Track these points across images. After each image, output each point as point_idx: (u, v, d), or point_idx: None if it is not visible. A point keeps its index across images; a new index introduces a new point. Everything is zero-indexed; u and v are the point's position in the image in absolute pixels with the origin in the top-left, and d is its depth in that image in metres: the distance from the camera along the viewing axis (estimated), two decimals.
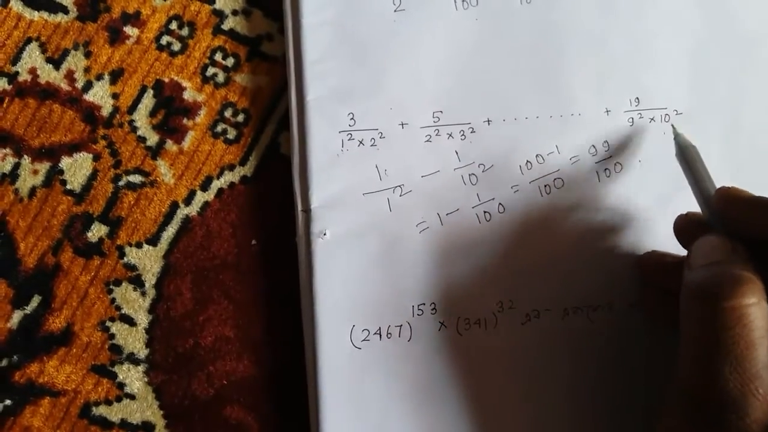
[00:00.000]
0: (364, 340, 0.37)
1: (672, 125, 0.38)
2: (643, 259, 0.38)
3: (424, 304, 0.38)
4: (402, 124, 0.39)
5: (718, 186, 0.34)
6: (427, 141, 0.39)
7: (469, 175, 0.39)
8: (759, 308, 0.28)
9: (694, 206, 0.36)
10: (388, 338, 0.37)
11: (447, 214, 0.38)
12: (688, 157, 0.36)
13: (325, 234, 0.37)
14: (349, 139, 0.38)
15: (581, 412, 0.37)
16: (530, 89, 0.39)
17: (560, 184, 0.39)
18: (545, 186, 0.39)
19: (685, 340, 0.30)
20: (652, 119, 0.40)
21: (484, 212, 0.38)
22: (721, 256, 0.31)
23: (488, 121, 0.39)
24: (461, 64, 0.39)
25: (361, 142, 0.38)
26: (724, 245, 0.31)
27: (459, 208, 0.38)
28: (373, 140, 0.38)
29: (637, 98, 0.40)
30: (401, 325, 0.37)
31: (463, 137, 0.39)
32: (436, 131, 0.39)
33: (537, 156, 0.39)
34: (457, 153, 0.39)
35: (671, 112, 0.40)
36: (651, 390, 0.37)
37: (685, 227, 0.35)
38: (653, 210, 0.39)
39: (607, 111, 0.40)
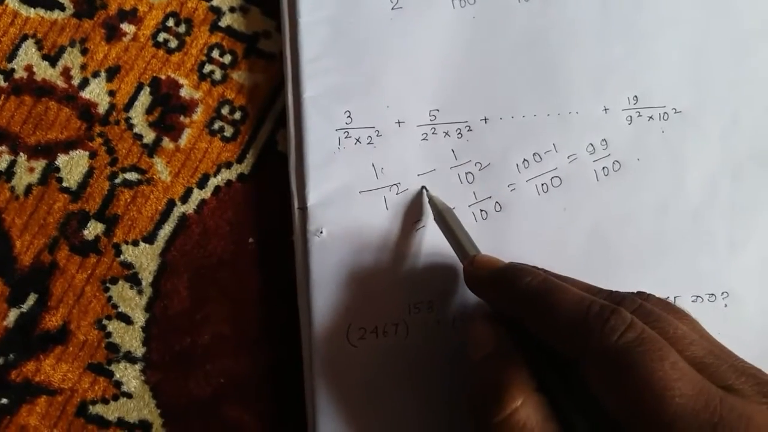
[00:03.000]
0: (360, 338, 0.37)
1: (424, 188, 0.38)
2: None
3: (420, 302, 0.38)
4: (399, 122, 0.38)
5: (478, 249, 0.35)
6: (424, 139, 0.39)
7: (466, 173, 0.39)
8: (526, 407, 0.28)
9: (693, 207, 0.36)
10: (385, 336, 0.37)
11: None
12: (447, 221, 0.36)
13: (321, 232, 0.37)
14: (345, 137, 0.38)
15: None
16: (527, 87, 0.39)
17: (558, 183, 0.39)
18: (542, 185, 0.39)
19: None
20: (650, 117, 0.40)
21: (481, 211, 0.38)
22: (490, 347, 0.31)
23: (485, 119, 0.39)
24: (458, 62, 0.39)
25: (357, 140, 0.38)
26: (490, 334, 0.31)
27: (455, 206, 0.38)
28: (369, 138, 0.38)
29: (636, 96, 0.40)
30: (398, 324, 0.37)
31: (459, 135, 0.39)
32: (433, 129, 0.39)
33: (534, 154, 0.39)
34: (453, 151, 0.39)
35: (670, 111, 0.40)
36: None
37: (468, 282, 0.34)
38: (651, 209, 0.39)
39: (606, 109, 0.40)
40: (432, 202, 0.37)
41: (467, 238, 0.35)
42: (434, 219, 0.37)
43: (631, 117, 0.40)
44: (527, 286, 0.30)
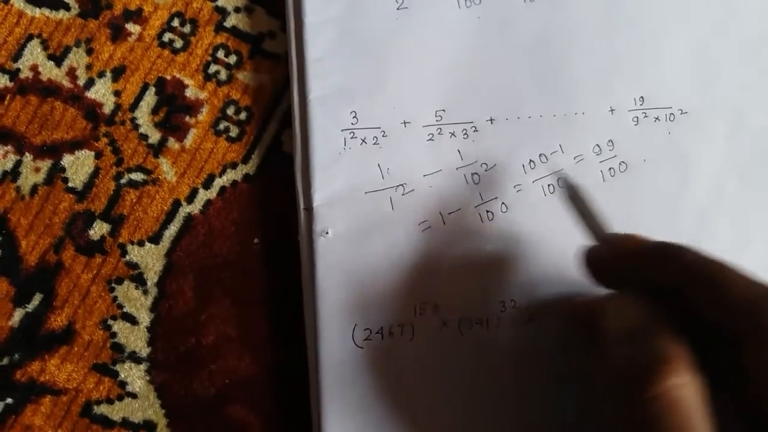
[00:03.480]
0: (366, 339, 0.37)
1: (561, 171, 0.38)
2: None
3: (426, 303, 0.37)
4: (404, 123, 0.38)
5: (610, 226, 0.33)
6: (430, 140, 0.39)
7: (472, 174, 0.39)
8: (691, 388, 0.25)
9: (698, 208, 0.36)
10: (390, 338, 0.37)
11: (449, 214, 0.38)
12: (579, 201, 0.35)
13: (327, 233, 0.37)
14: (351, 138, 0.38)
15: (584, 412, 0.37)
16: (533, 88, 0.39)
17: (564, 184, 0.39)
18: (548, 185, 0.39)
19: (613, 425, 0.27)
20: (656, 118, 0.40)
21: (487, 212, 0.38)
22: (639, 322, 0.28)
23: (491, 120, 0.39)
24: (464, 63, 0.39)
25: (363, 141, 0.38)
26: (643, 309, 0.29)
27: (461, 207, 0.38)
28: (375, 139, 0.38)
29: (642, 97, 0.40)
30: (403, 325, 0.37)
31: (465, 136, 0.39)
32: (439, 130, 0.39)
33: (540, 155, 0.39)
34: (459, 152, 0.39)
35: (676, 111, 0.40)
36: None
37: (597, 263, 0.33)
38: (658, 209, 0.39)
39: (612, 110, 0.39)
40: (562, 179, 0.37)
41: (600, 216, 0.34)
42: (564, 197, 0.36)
43: (637, 118, 0.39)
44: (696, 259, 0.28)
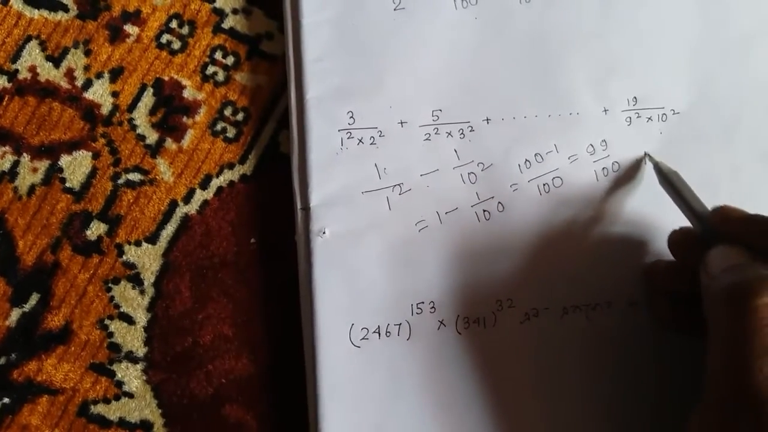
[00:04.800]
0: (363, 338, 0.37)
1: (646, 154, 0.39)
2: (651, 268, 0.38)
3: (423, 302, 0.38)
4: (401, 123, 0.39)
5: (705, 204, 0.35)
6: (427, 140, 0.39)
7: (469, 173, 0.39)
8: None
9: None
10: (387, 337, 0.37)
11: (446, 213, 0.38)
12: (674, 183, 0.37)
13: (324, 232, 0.37)
14: (348, 138, 0.38)
15: (580, 409, 0.37)
16: (529, 88, 0.40)
17: (559, 183, 0.39)
18: (544, 185, 0.39)
19: (716, 340, 0.30)
20: (649, 119, 0.40)
21: (484, 211, 0.38)
22: (742, 260, 0.32)
23: (487, 120, 0.39)
24: (460, 63, 0.39)
25: (360, 141, 0.38)
26: (741, 252, 0.32)
27: (458, 206, 0.38)
28: (372, 139, 0.38)
29: (635, 98, 0.40)
30: (400, 324, 0.37)
31: (462, 136, 0.39)
32: (436, 130, 0.39)
33: (536, 155, 0.39)
34: (456, 152, 0.39)
35: (669, 112, 0.40)
36: (649, 387, 0.37)
37: (681, 241, 0.36)
38: (651, 208, 0.39)
39: (605, 110, 0.40)
40: (657, 167, 0.38)
41: (697, 199, 0.36)
42: (659, 183, 0.38)
43: (630, 118, 0.40)
44: None
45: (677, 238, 0.36)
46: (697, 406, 0.30)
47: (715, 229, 0.34)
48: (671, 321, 0.37)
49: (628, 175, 0.39)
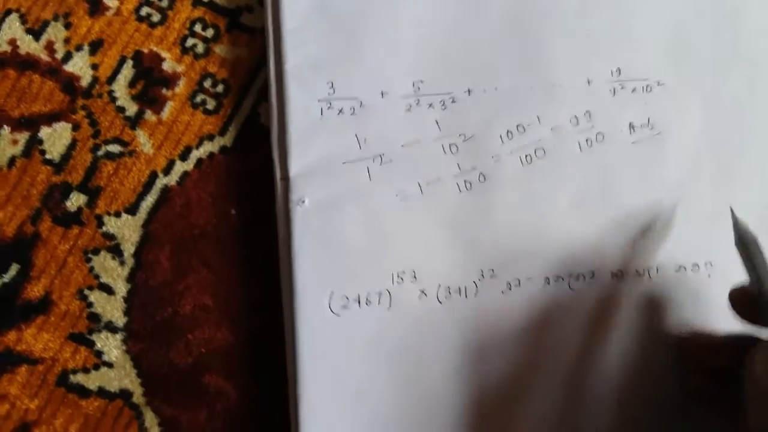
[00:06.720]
0: (343, 307, 0.37)
1: (731, 210, 0.36)
2: (689, 342, 0.37)
3: (404, 272, 0.37)
4: (382, 93, 0.38)
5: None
6: (408, 110, 0.39)
7: (450, 144, 0.39)
8: None
9: (676, 178, 0.36)
10: (367, 305, 0.37)
11: (427, 184, 0.38)
12: (750, 250, 0.34)
13: (303, 201, 0.37)
14: (328, 108, 0.38)
15: (561, 379, 0.37)
16: (511, 59, 0.39)
17: (541, 154, 0.39)
18: (526, 156, 0.39)
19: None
20: (633, 89, 0.40)
21: (465, 182, 0.38)
22: None
23: (469, 91, 0.39)
24: (442, 34, 0.39)
25: (340, 111, 0.38)
26: None
27: (439, 177, 0.38)
28: (352, 109, 0.38)
29: (619, 69, 0.40)
30: (380, 293, 0.37)
31: (443, 107, 0.39)
32: (417, 101, 0.39)
33: (518, 126, 0.39)
34: (437, 123, 0.39)
35: (653, 83, 0.40)
36: (630, 358, 0.37)
37: (741, 301, 0.34)
38: (634, 178, 0.39)
39: (589, 81, 0.40)
40: (738, 227, 0.35)
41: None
42: (735, 243, 0.35)
43: (614, 89, 0.40)
44: None
45: (737, 298, 0.34)
46: None
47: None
48: (705, 396, 0.36)
49: (610, 144, 0.39)
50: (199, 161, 0.39)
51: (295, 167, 0.37)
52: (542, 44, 0.40)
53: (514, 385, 0.37)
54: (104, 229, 0.39)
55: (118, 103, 0.39)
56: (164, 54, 0.40)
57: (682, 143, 0.40)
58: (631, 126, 0.39)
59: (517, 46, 0.39)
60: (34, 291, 0.38)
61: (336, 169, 0.38)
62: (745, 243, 0.34)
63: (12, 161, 0.39)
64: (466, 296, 0.38)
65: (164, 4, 0.40)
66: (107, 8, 0.40)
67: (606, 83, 0.40)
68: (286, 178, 0.37)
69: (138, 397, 0.38)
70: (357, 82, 0.38)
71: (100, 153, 0.39)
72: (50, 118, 0.39)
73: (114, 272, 0.38)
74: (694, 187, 0.39)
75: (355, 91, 0.38)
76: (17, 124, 0.39)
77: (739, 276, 0.37)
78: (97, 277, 0.38)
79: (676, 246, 0.38)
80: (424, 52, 0.39)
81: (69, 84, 0.40)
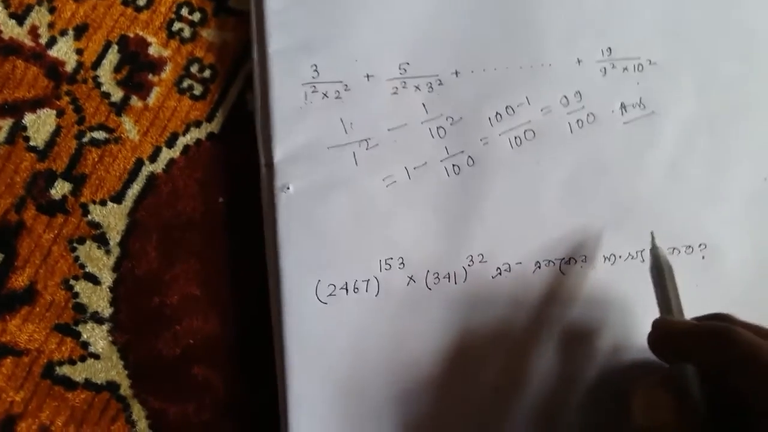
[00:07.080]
0: (330, 295, 0.36)
1: (651, 234, 0.37)
2: (654, 329, 0.34)
3: (391, 258, 0.37)
4: (367, 76, 0.38)
5: (684, 310, 0.33)
6: (394, 93, 0.38)
7: (437, 128, 0.38)
8: None
9: (669, 159, 0.36)
10: (356, 293, 0.36)
11: (415, 168, 0.38)
12: (663, 279, 0.34)
13: (288, 188, 0.37)
14: (312, 92, 0.37)
15: (552, 364, 0.37)
16: (499, 39, 0.39)
17: (531, 136, 0.38)
18: (515, 138, 0.38)
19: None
20: (625, 69, 0.39)
21: (453, 165, 0.38)
22: (670, 416, 0.28)
23: (456, 72, 0.38)
24: (428, 15, 0.38)
25: (325, 95, 0.37)
26: (670, 403, 0.29)
27: (427, 161, 0.38)
28: (337, 93, 0.37)
29: (609, 48, 0.39)
30: (368, 280, 0.37)
31: (430, 89, 0.38)
32: (403, 83, 0.38)
33: (507, 107, 0.38)
34: (424, 105, 0.38)
35: (645, 62, 0.39)
36: (622, 341, 0.37)
37: (653, 336, 0.33)
38: (626, 160, 0.38)
39: (579, 61, 0.39)
40: (654, 252, 0.35)
41: (677, 302, 0.33)
42: (649, 269, 0.35)
43: (605, 68, 0.39)
44: (744, 341, 0.28)
45: (656, 339, 0.33)
46: None
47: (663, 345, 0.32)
48: None
49: (602, 124, 0.38)
50: (186, 148, 0.39)
51: (279, 153, 0.37)
52: (531, 23, 0.39)
53: (504, 370, 0.37)
54: (89, 217, 0.38)
55: (104, 88, 0.39)
56: (150, 38, 0.40)
57: (675, 123, 0.39)
58: (623, 106, 0.38)
59: (505, 25, 0.39)
60: (19, 281, 0.38)
61: (321, 155, 0.37)
62: (658, 269, 0.34)
63: None
64: (455, 282, 0.37)
65: None
66: None
67: (596, 62, 0.39)
68: (270, 164, 0.37)
69: (125, 389, 0.37)
70: (342, 65, 0.38)
71: (85, 140, 0.39)
72: (34, 105, 0.39)
73: (100, 261, 0.38)
74: (687, 167, 0.38)
75: (340, 75, 0.38)
76: (0, 111, 0.39)
77: (733, 256, 0.36)
78: (82, 266, 0.38)
79: (669, 228, 0.38)
80: (410, 34, 0.38)
81: (53, 69, 0.39)
